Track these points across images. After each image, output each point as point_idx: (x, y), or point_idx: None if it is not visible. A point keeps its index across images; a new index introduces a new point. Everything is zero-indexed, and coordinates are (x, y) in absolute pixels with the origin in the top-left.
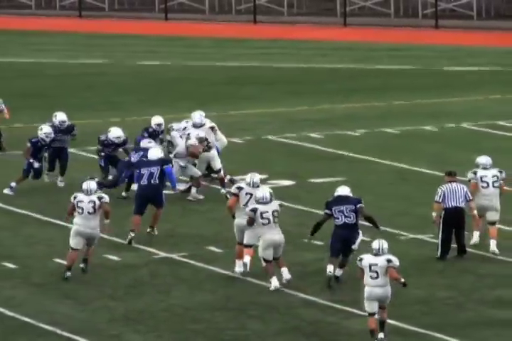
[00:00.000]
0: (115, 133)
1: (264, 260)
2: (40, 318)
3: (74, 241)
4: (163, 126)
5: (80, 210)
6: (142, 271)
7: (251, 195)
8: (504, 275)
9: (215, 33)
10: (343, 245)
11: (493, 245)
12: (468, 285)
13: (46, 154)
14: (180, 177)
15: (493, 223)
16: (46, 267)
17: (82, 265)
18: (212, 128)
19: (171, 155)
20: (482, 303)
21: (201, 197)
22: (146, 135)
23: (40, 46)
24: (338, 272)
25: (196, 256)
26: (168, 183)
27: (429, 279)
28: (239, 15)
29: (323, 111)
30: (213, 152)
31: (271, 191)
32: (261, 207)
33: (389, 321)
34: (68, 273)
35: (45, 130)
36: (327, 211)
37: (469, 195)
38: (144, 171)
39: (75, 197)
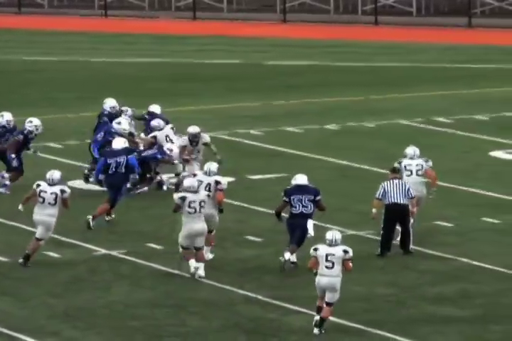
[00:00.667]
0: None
1: (182, 247)
2: None
3: (38, 232)
4: (117, 108)
5: (41, 200)
6: (82, 267)
7: (202, 182)
8: (444, 272)
9: (155, 29)
10: (301, 233)
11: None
12: (408, 281)
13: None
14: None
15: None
16: None
17: (21, 260)
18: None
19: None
20: (423, 300)
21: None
22: (106, 119)
23: None
24: (293, 258)
25: (136, 252)
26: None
27: (369, 276)
28: (178, 11)
29: (262, 108)
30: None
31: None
32: (190, 196)
33: (330, 318)
34: (21, 260)
35: (35, 122)
36: (285, 198)
37: (412, 192)
38: (111, 161)
39: (38, 185)
